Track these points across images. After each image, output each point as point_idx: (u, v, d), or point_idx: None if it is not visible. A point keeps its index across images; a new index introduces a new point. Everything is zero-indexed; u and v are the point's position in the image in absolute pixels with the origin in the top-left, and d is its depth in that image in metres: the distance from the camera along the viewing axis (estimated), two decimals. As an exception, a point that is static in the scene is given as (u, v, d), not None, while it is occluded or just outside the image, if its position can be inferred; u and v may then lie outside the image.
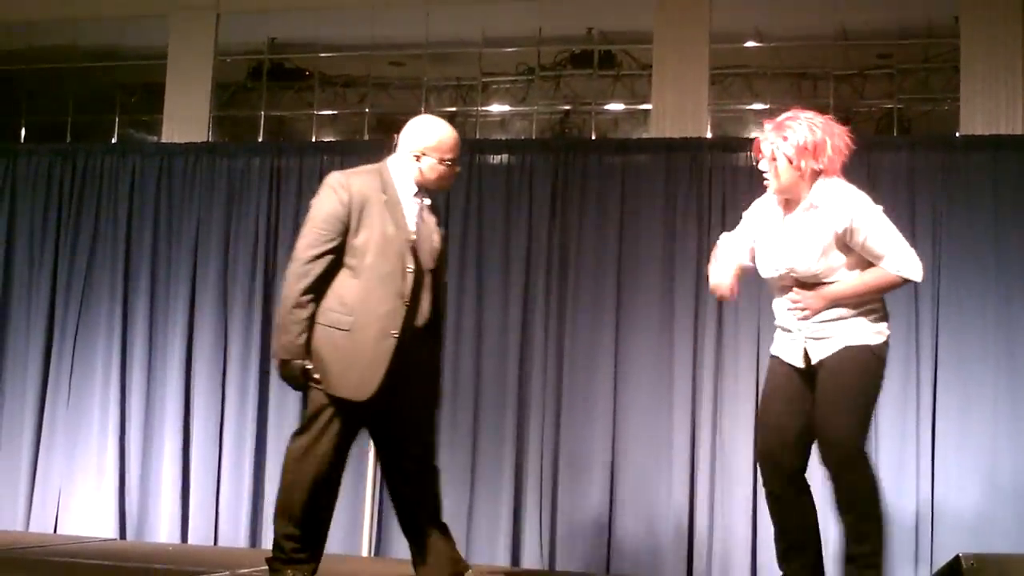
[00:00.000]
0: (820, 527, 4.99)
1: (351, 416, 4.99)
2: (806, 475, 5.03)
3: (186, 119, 8.89)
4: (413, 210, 5.07)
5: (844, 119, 5.11)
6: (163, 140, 8.87)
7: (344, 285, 4.96)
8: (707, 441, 7.33)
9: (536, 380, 7.58)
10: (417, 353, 5.06)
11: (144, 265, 8.25)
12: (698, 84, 8.21)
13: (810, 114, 4.98)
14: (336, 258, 4.97)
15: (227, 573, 6.05)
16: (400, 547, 7.56)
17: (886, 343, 4.93)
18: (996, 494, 6.80)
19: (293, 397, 7.80)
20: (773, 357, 5.11)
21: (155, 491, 7.99)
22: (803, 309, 4.90)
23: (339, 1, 8.98)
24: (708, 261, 5.20)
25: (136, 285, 8.26)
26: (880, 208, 4.91)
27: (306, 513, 5.07)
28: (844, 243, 4.87)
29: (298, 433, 5.09)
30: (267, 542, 7.74)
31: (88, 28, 9.45)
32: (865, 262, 4.90)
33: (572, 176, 7.82)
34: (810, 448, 5.01)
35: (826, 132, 4.93)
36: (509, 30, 8.83)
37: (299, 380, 4.97)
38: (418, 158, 5.07)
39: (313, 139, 8.88)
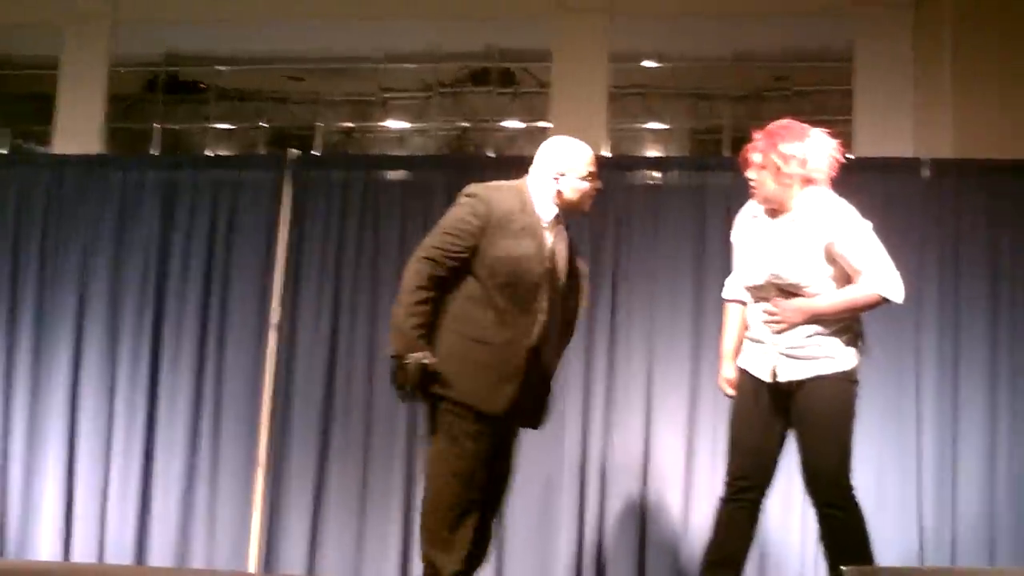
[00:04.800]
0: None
1: (488, 431, 4.90)
2: (765, 500, 5.12)
3: (78, 130, 8.74)
4: (550, 235, 5.01)
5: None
6: (54, 151, 8.70)
7: (480, 299, 4.89)
8: (597, 457, 7.32)
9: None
10: (540, 380, 5.05)
11: (31, 279, 8.04)
12: (596, 103, 8.24)
13: (801, 124, 5.02)
14: (464, 269, 4.90)
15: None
16: (291, 561, 7.49)
17: (858, 364, 4.97)
18: (882, 506, 6.85)
19: (183, 412, 7.71)
20: (741, 370, 5.12)
21: (37, 507, 7.78)
22: (779, 322, 4.90)
23: (237, 14, 8.88)
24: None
25: (23, 298, 8.04)
26: (869, 224, 4.93)
27: (467, 540, 4.90)
28: (829, 254, 4.88)
29: (439, 458, 4.92)
30: (155, 557, 7.62)
31: (-23, 35, 9.29)
32: (849, 278, 4.91)
33: None
34: (776, 470, 5.09)
35: (817, 142, 4.97)
36: (408, 46, 8.81)
37: (416, 380, 4.80)
38: (557, 179, 5.02)
39: (208, 153, 8.77)
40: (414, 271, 4.89)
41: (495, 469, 5.05)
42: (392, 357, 4.87)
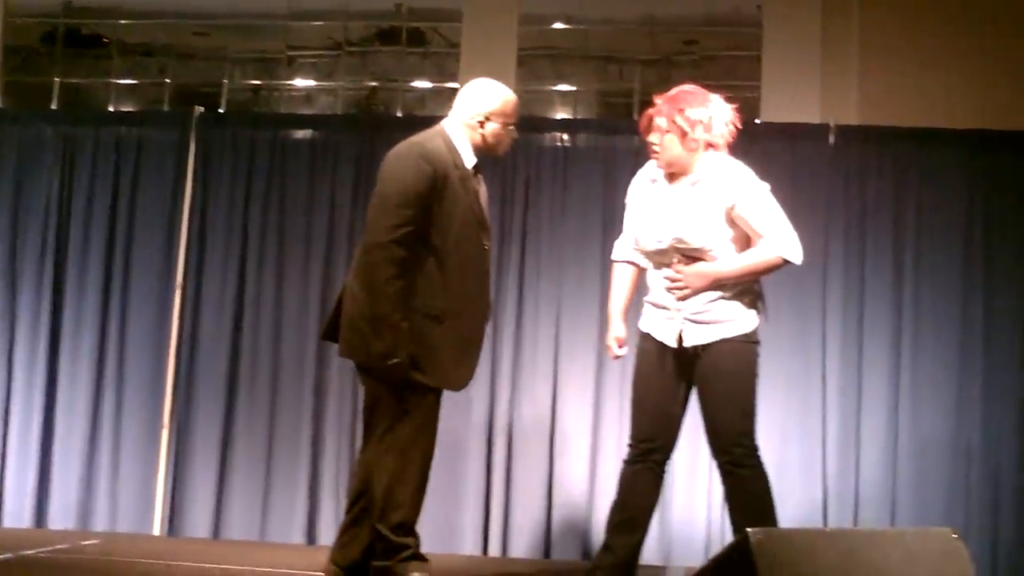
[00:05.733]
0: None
1: (439, 402, 4.85)
2: (669, 463, 5.16)
3: (-27, 83, 8.52)
4: (475, 183, 4.91)
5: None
6: (-52, 105, 8.49)
7: (430, 267, 4.72)
8: (504, 419, 7.35)
9: (334, 358, 7.45)
10: None
11: (-74, 237, 7.86)
12: (506, 64, 8.20)
13: (703, 90, 5.05)
14: (418, 237, 4.69)
15: (10, 555, 5.83)
16: (196, 524, 7.43)
17: (759, 325, 5.03)
18: (786, 467, 6.98)
19: (85, 373, 7.60)
20: (644, 334, 5.13)
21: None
22: (683, 288, 4.93)
23: (141, -34, 8.71)
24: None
25: (-85, 256, 7.86)
26: (767, 186, 4.97)
27: (418, 511, 4.84)
28: (730, 217, 4.93)
29: (390, 429, 4.77)
30: (56, 520, 7.50)
31: None
32: (748, 240, 4.95)
33: (378, 153, 7.52)
34: (680, 432, 5.12)
35: (718, 108, 4.99)
36: (316, 3, 8.70)
37: (406, 373, 4.67)
38: (482, 124, 4.89)
39: (110, 108, 8.60)
40: (385, 259, 4.64)
41: None
42: (382, 355, 4.66)
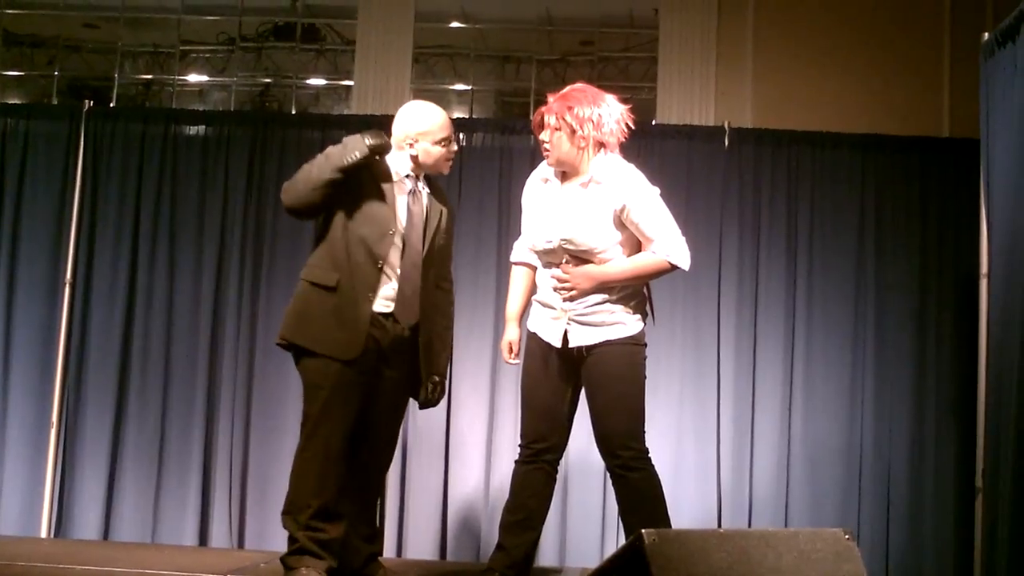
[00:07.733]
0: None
1: (349, 388, 4.90)
2: (560, 462, 5.19)
3: None
4: (405, 191, 5.03)
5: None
6: None
7: (332, 242, 4.93)
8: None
9: (228, 357, 7.39)
10: (404, 336, 5.02)
11: None
12: (401, 62, 8.18)
13: (596, 89, 5.06)
14: (328, 212, 4.97)
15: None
16: (85, 526, 7.29)
17: (645, 327, 5.06)
18: (681, 470, 7.04)
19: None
20: (531, 333, 5.15)
21: None
22: (570, 289, 4.92)
23: (29, -46, 8.53)
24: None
25: None
26: (657, 190, 4.98)
27: (323, 500, 4.91)
28: (620, 220, 4.94)
29: (304, 415, 5.00)
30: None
31: None
32: (637, 244, 4.95)
33: (271, 151, 7.64)
34: (570, 431, 5.16)
35: (611, 107, 4.99)
36: (210, -2, 8.59)
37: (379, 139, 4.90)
38: (411, 145, 5.03)
39: (-5, 101, 8.42)
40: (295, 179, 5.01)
41: (374, 426, 5.08)
42: (371, 146, 4.89)
